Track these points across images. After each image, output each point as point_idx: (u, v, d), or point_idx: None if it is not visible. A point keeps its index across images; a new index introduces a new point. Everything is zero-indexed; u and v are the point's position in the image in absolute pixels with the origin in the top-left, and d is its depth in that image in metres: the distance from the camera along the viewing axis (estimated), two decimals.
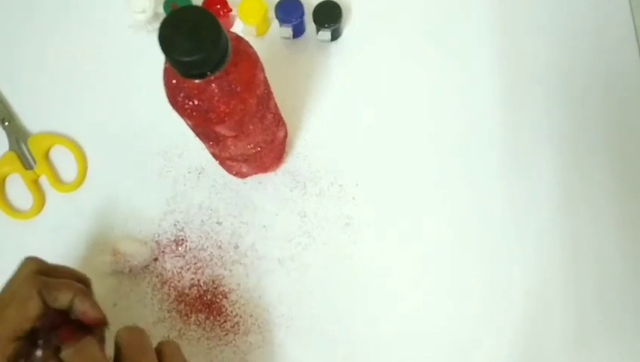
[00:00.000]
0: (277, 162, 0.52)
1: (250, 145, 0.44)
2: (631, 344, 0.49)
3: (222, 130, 0.39)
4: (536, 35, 0.56)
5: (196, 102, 0.37)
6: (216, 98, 0.36)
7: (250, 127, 0.41)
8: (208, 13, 0.33)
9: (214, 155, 0.48)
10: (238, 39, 0.38)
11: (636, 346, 0.49)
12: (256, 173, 0.52)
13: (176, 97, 0.37)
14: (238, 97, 0.37)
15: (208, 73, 0.34)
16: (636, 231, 0.51)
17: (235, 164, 0.49)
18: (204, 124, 0.38)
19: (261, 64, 0.39)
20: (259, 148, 0.46)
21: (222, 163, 0.50)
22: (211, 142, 0.43)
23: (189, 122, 0.39)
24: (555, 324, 0.49)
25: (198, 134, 0.43)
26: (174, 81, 0.37)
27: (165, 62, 0.37)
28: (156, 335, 0.50)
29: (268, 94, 0.43)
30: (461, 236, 0.51)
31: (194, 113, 0.37)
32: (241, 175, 0.52)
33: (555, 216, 0.51)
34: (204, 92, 0.36)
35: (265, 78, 0.41)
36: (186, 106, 0.37)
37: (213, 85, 0.36)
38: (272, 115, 0.45)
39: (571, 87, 0.54)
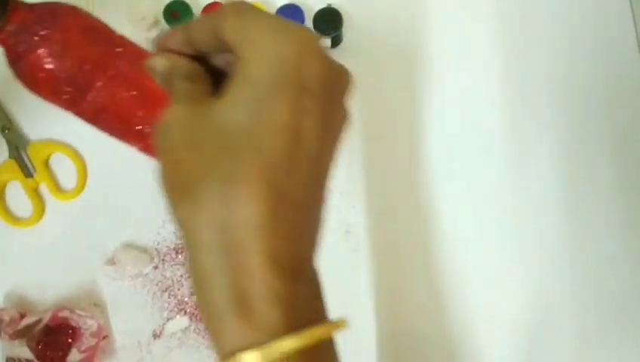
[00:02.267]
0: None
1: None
2: (631, 343, 0.49)
3: (97, 79, 0.41)
4: (537, 35, 0.55)
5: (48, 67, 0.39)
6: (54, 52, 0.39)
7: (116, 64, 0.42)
8: None
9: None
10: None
11: (637, 346, 0.49)
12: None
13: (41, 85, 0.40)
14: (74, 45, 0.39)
15: None
16: (638, 231, 0.51)
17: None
18: (76, 92, 0.40)
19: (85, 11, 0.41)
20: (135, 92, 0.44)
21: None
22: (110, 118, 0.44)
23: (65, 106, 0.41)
24: (555, 324, 0.49)
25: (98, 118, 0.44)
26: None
27: None
28: (155, 343, 0.50)
29: (110, 37, 0.44)
30: (461, 240, 0.51)
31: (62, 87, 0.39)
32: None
33: (557, 216, 0.51)
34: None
35: (99, 21, 0.42)
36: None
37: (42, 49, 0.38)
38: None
39: (572, 88, 0.54)
